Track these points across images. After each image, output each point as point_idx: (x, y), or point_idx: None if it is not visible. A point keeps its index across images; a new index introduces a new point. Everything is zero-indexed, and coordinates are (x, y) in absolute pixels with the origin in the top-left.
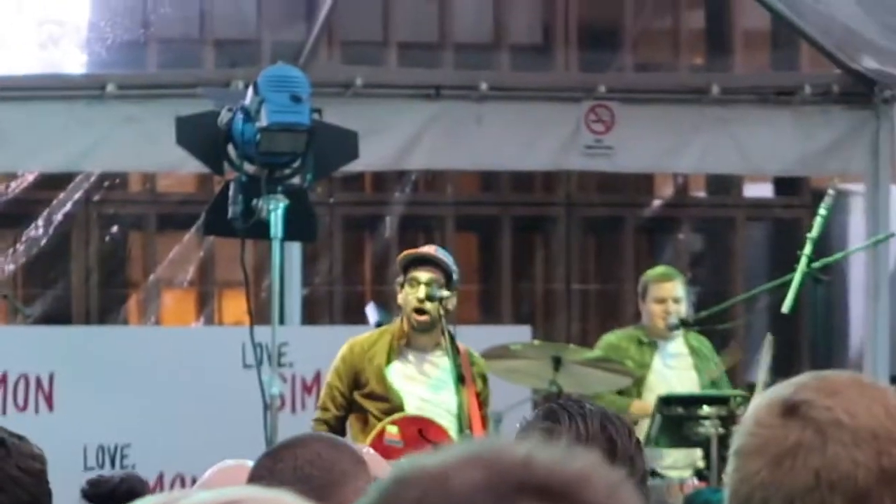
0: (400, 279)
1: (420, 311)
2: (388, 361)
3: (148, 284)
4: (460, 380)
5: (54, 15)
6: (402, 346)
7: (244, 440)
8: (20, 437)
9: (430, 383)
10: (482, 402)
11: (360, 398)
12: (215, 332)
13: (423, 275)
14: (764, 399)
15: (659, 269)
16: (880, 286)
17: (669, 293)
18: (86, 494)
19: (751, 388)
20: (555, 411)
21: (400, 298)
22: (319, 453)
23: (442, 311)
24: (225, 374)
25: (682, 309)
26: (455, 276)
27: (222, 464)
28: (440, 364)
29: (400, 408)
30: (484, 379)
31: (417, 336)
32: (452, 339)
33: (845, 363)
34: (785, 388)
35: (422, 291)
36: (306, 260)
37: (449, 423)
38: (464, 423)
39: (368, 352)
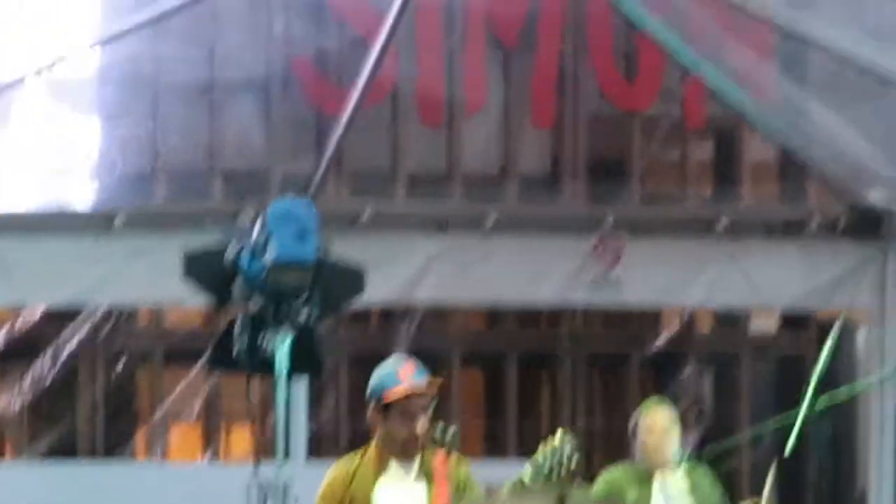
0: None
1: (414, 442)
2: (374, 483)
3: (155, 419)
4: (428, 478)
5: (63, 146)
6: (387, 462)
7: None
8: None
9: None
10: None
11: None
12: (220, 470)
13: (419, 410)
14: None
15: (645, 403)
16: (886, 422)
17: (659, 422)
18: None
19: None
20: None
21: (379, 422)
22: None
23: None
24: None
25: (675, 439)
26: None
27: None
28: (409, 472)
29: None
30: (465, 481)
31: (397, 457)
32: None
33: (850, 501)
34: None
35: (419, 420)
36: (313, 397)
37: None
38: None
39: (350, 477)
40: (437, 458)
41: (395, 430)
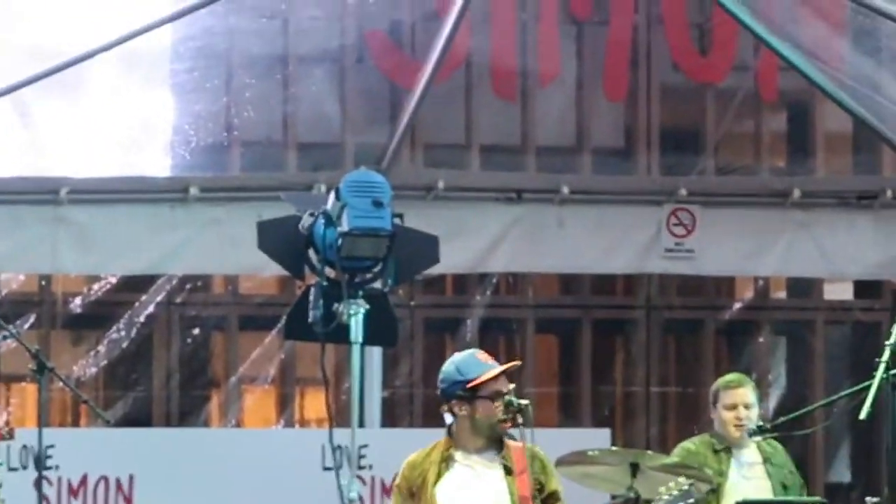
0: (462, 391)
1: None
2: (439, 477)
3: (229, 385)
4: (507, 472)
5: (139, 118)
6: (452, 455)
7: None
8: None
9: (482, 490)
10: (545, 485)
11: None
12: (295, 435)
13: (506, 385)
14: None
15: (729, 376)
16: None
17: (741, 399)
18: None
19: (829, 491)
20: None
21: (462, 410)
22: None
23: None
24: (304, 476)
25: (754, 415)
26: None
27: None
28: (490, 463)
29: None
30: (543, 463)
31: (481, 438)
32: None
33: None
34: None
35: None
36: (387, 362)
37: None
38: None
39: (421, 465)
40: (514, 448)
41: (487, 413)
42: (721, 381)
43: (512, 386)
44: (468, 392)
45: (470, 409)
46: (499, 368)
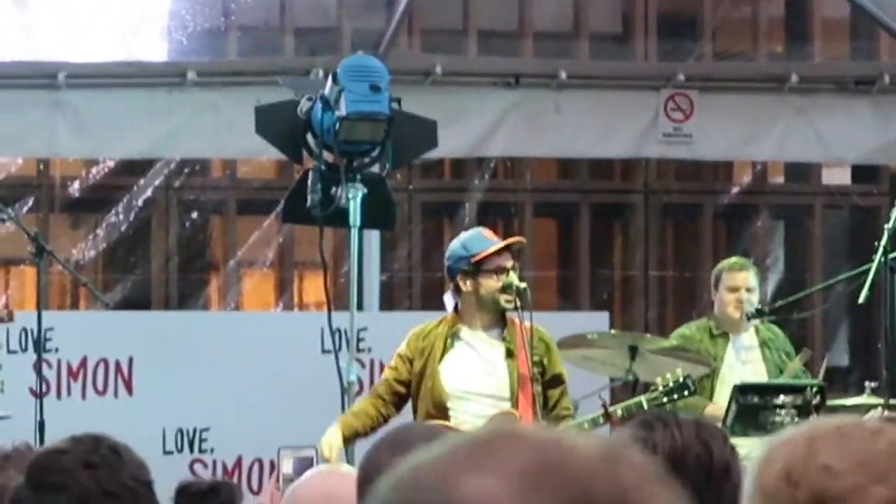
0: (466, 266)
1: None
2: (444, 353)
3: (228, 268)
4: (509, 354)
5: (136, 3)
6: (458, 332)
7: (322, 425)
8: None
9: (483, 369)
10: (547, 368)
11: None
12: (294, 318)
13: (509, 261)
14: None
15: (732, 259)
16: None
17: (743, 283)
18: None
19: (828, 375)
20: (649, 421)
21: (467, 286)
22: None
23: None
24: (303, 359)
25: (755, 299)
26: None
27: (318, 470)
28: (493, 343)
29: (444, 409)
30: (548, 346)
31: (486, 315)
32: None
33: None
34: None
35: (511, 276)
36: (385, 246)
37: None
38: (516, 398)
39: (426, 339)
40: (515, 326)
41: (491, 286)
42: (724, 263)
43: (515, 263)
44: (472, 267)
45: (474, 283)
46: (502, 243)
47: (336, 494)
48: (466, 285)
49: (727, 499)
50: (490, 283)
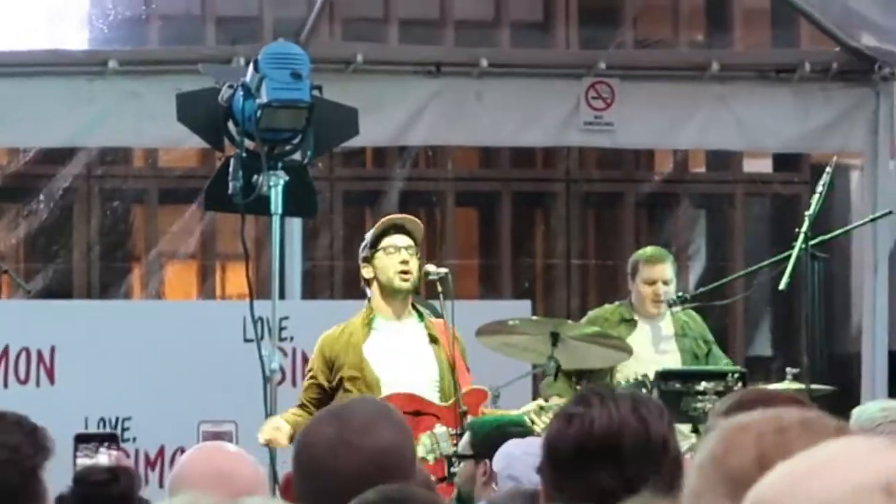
0: (366, 252)
1: (405, 272)
2: (366, 338)
3: (150, 258)
4: (432, 339)
5: None
6: (373, 320)
7: (245, 414)
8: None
9: (408, 352)
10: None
11: (341, 390)
12: (216, 307)
13: (401, 240)
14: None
15: (649, 250)
16: (879, 262)
17: (660, 275)
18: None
19: (750, 364)
20: (586, 396)
21: (369, 272)
22: None
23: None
24: (226, 347)
25: (672, 290)
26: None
27: (202, 446)
28: (413, 330)
29: (376, 388)
30: (463, 348)
31: (393, 303)
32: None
33: (845, 340)
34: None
35: (403, 255)
36: (307, 235)
37: (432, 393)
38: (446, 384)
39: (340, 337)
40: (436, 323)
41: (385, 265)
42: (640, 253)
43: (416, 246)
44: (371, 252)
45: (374, 269)
46: (388, 220)
47: (224, 471)
48: (369, 272)
49: (665, 472)
50: (384, 263)
